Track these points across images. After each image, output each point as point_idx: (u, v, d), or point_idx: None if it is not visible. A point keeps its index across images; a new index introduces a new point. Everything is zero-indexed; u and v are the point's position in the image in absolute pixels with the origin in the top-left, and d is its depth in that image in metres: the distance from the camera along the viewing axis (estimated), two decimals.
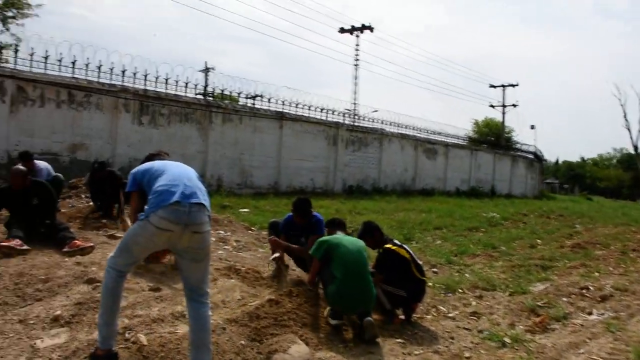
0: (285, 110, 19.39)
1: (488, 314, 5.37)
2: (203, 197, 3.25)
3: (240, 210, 12.71)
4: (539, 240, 10.77)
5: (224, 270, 5.61)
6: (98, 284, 4.31)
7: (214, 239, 7.86)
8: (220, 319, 3.97)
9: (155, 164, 3.53)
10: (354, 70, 32.09)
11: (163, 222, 3.05)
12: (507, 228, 13.22)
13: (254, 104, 19.03)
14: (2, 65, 14.25)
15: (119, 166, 14.25)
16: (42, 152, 12.98)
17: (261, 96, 19.24)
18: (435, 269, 7.50)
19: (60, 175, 8.72)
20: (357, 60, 31.70)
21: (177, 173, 3.34)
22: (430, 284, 6.47)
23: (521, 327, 4.96)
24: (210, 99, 17.46)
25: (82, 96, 13.66)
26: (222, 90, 18.35)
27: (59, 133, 13.33)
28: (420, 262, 5.33)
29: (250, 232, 9.19)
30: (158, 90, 15.55)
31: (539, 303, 5.67)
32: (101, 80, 14.33)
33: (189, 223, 3.09)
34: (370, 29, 32.12)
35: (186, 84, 16.38)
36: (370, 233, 5.21)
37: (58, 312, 3.79)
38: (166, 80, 15.83)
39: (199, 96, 16.89)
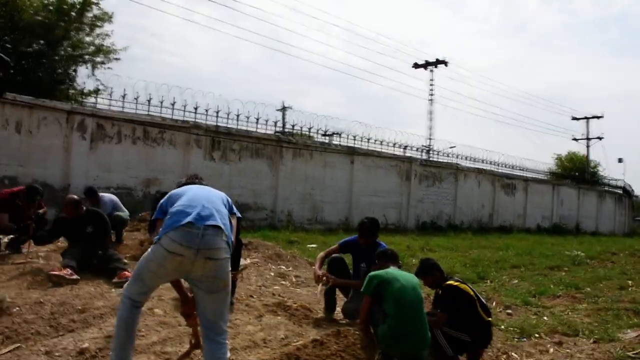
0: (356, 146, 19.16)
1: None
2: (222, 221, 2.95)
3: (308, 245, 12.43)
4: (629, 282, 9.63)
5: (272, 307, 5.28)
6: None
7: (272, 274, 7.58)
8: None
9: (181, 188, 3.30)
10: (429, 106, 31.55)
11: (174, 245, 2.78)
12: (593, 267, 12.01)
13: (330, 140, 18.96)
14: (83, 103, 15.05)
15: None
16: (117, 187, 13.46)
17: (338, 134, 19.23)
18: (509, 311, 6.77)
19: (124, 212, 8.76)
20: (431, 95, 31.25)
21: (196, 194, 3.08)
22: (502, 327, 5.80)
23: None
24: (281, 135, 17.52)
25: (156, 132, 14.09)
26: (293, 126, 18.44)
27: (134, 168, 13.75)
28: (485, 302, 4.74)
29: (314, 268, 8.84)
30: (229, 126, 15.81)
31: (629, 353, 4.87)
32: (174, 117, 14.74)
33: (202, 247, 2.80)
34: (445, 63, 31.66)
35: (257, 119, 16.57)
36: (430, 271, 4.72)
37: (86, 345, 3.59)
38: (237, 116, 16.09)
39: (269, 131, 17.00)
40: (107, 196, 8.73)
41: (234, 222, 3.38)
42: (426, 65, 32.04)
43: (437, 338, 4.31)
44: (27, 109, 12.35)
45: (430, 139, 29.36)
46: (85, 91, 17.55)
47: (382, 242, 5.41)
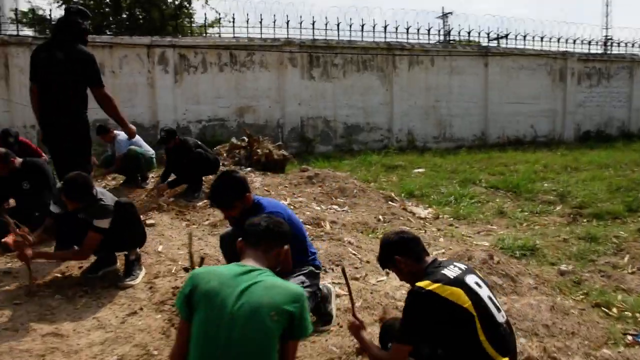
0: (490, 45, 15.89)
1: None
2: None
3: (415, 171, 10.30)
4: None
5: None
6: None
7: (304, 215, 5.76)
8: None
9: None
10: None
11: None
12: None
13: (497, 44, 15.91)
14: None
15: (291, 126, 13.12)
16: (209, 119, 12.54)
17: (505, 36, 16.11)
18: None
19: (144, 149, 7.35)
20: None
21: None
22: None
23: None
24: (393, 41, 14.94)
25: (244, 56, 12.71)
26: (448, 32, 15.71)
27: (224, 97, 12.64)
28: (503, 319, 2.44)
29: (383, 205, 6.78)
30: (328, 38, 13.79)
31: None
32: (264, 36, 13.16)
33: None
34: None
35: (362, 26, 14.25)
36: (388, 259, 2.66)
37: None
38: (338, 25, 13.93)
39: (378, 39, 14.58)
40: (123, 134, 7.51)
41: None
42: None
43: None
44: (107, 49, 11.74)
45: (606, 27, 23.98)
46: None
47: (263, 202, 3.37)
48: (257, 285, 2.10)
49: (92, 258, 3.96)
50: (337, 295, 3.47)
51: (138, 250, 4.06)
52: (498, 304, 2.46)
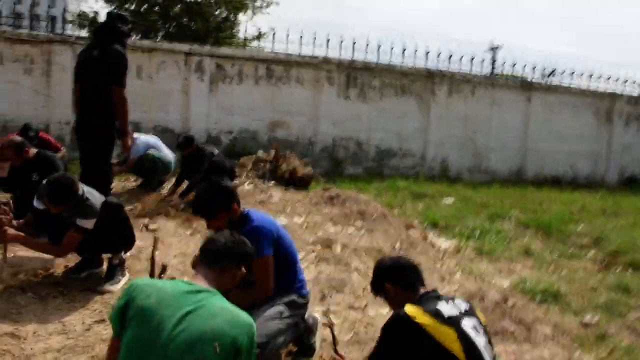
0: (534, 80, 15.41)
1: None
2: None
3: (443, 201, 9.94)
4: None
5: None
6: None
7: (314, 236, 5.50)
8: None
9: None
10: None
11: None
12: None
13: (549, 81, 15.47)
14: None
15: (322, 145, 12.95)
16: (241, 131, 12.49)
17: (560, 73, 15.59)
18: None
19: (162, 154, 7.27)
20: None
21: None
22: None
23: None
24: (434, 69, 14.64)
25: (281, 71, 12.65)
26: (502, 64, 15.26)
27: (258, 110, 12.56)
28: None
29: (403, 233, 6.46)
30: (367, 60, 13.61)
31: None
32: (302, 54, 13.07)
33: None
34: None
35: (403, 50, 14.00)
36: (379, 284, 2.47)
37: None
38: (378, 48, 13.73)
39: (418, 65, 14.32)
40: (143, 137, 7.44)
41: None
42: None
43: None
44: (146, 53, 11.85)
45: None
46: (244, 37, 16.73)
47: (251, 215, 3.19)
48: (202, 309, 1.84)
49: (78, 258, 3.82)
50: (329, 325, 3.20)
51: (123, 254, 3.90)
52: (493, 354, 2.16)
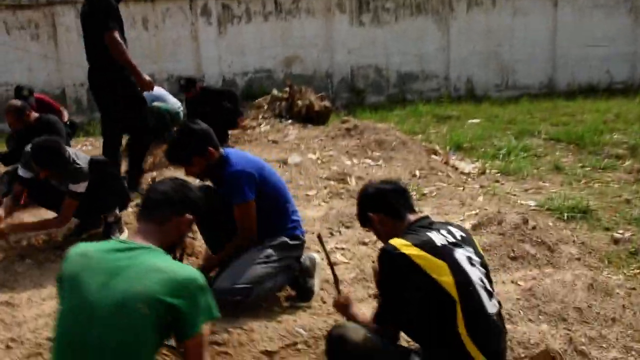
0: None
1: None
2: None
3: (469, 121, 9.57)
4: None
5: None
6: None
7: (329, 170, 5.29)
8: None
9: None
10: None
11: None
12: None
13: None
14: None
15: (340, 76, 12.56)
16: (255, 70, 12.20)
17: None
18: None
19: (169, 104, 7.07)
20: None
21: None
22: None
23: None
24: None
25: (289, 3, 12.13)
26: None
27: (270, 47, 12.18)
28: (494, 309, 1.95)
29: (423, 159, 6.20)
30: None
31: None
32: None
33: None
34: None
35: None
36: (362, 209, 2.23)
37: None
38: None
39: None
40: (159, 90, 7.21)
41: None
42: None
43: None
44: (149, 3, 11.51)
45: None
46: None
47: (231, 157, 3.02)
48: (131, 269, 1.65)
49: (76, 221, 3.77)
50: (334, 264, 3.08)
51: (119, 211, 3.82)
52: (491, 289, 1.97)
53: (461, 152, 7.19)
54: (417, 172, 5.60)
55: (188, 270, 1.78)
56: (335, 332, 1.99)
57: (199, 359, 1.70)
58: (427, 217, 2.11)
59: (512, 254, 3.18)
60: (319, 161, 5.55)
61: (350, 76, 12.71)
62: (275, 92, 9.62)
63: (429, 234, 1.95)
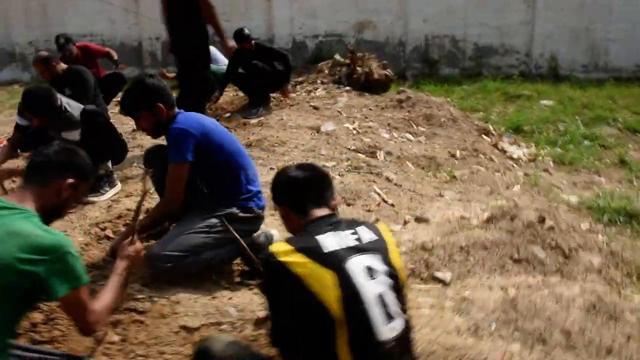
0: None
1: None
2: None
3: (542, 102, 8.92)
4: None
5: None
6: None
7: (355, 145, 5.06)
8: None
9: None
10: None
11: None
12: None
13: None
14: None
15: (413, 45, 12.10)
16: (326, 34, 12.00)
17: None
18: None
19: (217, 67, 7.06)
20: None
21: None
22: None
23: None
24: None
25: None
26: None
27: (342, 11, 11.89)
28: (392, 335, 1.65)
29: (470, 139, 5.83)
30: None
31: None
32: None
33: None
34: None
35: None
36: (273, 196, 2.08)
37: None
38: None
39: None
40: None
41: None
42: None
43: None
44: None
45: None
46: None
47: (179, 117, 2.94)
48: None
49: None
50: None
51: (111, 165, 3.85)
52: (393, 310, 1.67)
53: (519, 135, 6.73)
54: (458, 153, 5.28)
55: (52, 235, 1.76)
56: (202, 346, 1.87)
57: (75, 317, 1.79)
58: (333, 214, 1.87)
59: (515, 256, 2.86)
60: (355, 131, 5.35)
61: (424, 46, 12.18)
62: (337, 57, 9.42)
63: (321, 236, 1.69)
